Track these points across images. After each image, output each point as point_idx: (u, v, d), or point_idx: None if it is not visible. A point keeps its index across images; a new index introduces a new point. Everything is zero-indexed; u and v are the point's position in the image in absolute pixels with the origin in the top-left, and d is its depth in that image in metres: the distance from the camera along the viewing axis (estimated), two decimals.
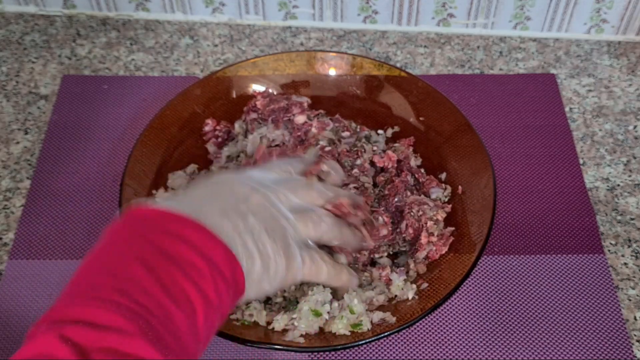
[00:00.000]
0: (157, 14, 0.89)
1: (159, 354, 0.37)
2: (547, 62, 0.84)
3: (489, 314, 0.63)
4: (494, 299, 0.64)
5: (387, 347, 0.61)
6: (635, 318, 0.63)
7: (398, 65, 0.84)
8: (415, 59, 0.85)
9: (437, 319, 0.63)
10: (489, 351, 0.61)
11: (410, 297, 0.58)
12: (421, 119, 0.71)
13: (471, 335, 0.62)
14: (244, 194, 0.50)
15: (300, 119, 0.69)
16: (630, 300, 0.64)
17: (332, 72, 0.74)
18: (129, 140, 0.76)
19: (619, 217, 0.70)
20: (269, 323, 0.57)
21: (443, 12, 0.85)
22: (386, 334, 0.54)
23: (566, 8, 0.83)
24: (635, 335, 0.62)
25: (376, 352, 0.61)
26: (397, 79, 0.72)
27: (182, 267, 0.41)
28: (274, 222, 0.50)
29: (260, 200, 0.50)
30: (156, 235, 0.42)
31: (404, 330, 0.59)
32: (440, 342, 0.61)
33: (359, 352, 0.61)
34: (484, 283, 0.65)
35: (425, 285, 0.59)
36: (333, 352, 0.60)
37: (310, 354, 0.60)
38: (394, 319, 0.56)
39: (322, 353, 0.60)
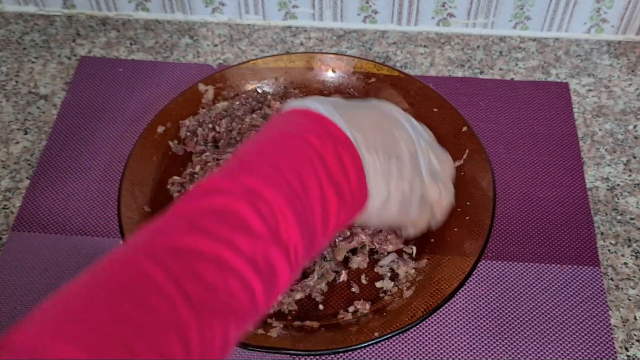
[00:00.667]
0: (156, 14, 0.89)
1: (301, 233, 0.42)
2: (547, 62, 0.84)
3: (480, 319, 0.63)
4: (486, 304, 0.64)
5: (387, 347, 0.61)
6: (635, 318, 0.63)
7: (398, 65, 0.84)
8: (415, 58, 0.85)
9: (433, 322, 0.63)
10: (480, 355, 0.61)
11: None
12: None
13: (462, 338, 0.62)
14: (399, 138, 0.50)
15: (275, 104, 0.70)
16: (630, 300, 0.64)
17: (331, 73, 0.74)
18: (140, 123, 0.77)
19: (618, 217, 0.70)
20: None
21: (443, 12, 0.85)
22: (386, 336, 0.54)
23: (566, 8, 0.83)
24: (635, 335, 0.62)
25: (376, 353, 0.61)
26: (396, 79, 0.72)
27: (335, 185, 0.45)
28: (413, 169, 0.50)
29: (409, 150, 0.50)
30: (330, 154, 0.45)
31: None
32: (435, 345, 0.61)
33: (359, 353, 0.61)
34: (476, 288, 0.65)
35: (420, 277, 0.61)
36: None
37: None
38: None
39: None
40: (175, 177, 0.67)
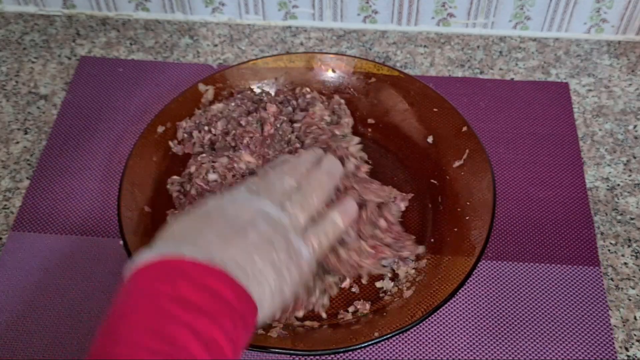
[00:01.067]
0: (156, 14, 0.89)
1: None
2: (547, 61, 0.84)
3: (480, 319, 0.63)
4: (486, 304, 0.64)
5: (387, 347, 0.61)
6: (635, 318, 0.63)
7: (398, 65, 0.84)
8: (415, 58, 0.85)
9: (433, 322, 0.63)
10: (480, 355, 0.61)
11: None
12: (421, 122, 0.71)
13: (462, 338, 0.62)
14: (236, 214, 0.49)
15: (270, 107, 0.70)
16: (630, 300, 0.64)
17: (331, 73, 0.74)
18: (140, 123, 0.77)
19: (618, 217, 0.70)
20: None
21: (443, 12, 0.85)
22: (386, 336, 0.54)
23: (566, 8, 0.83)
24: (635, 335, 0.62)
25: (376, 353, 0.61)
26: (396, 79, 0.72)
27: (206, 313, 0.42)
28: (271, 231, 0.49)
29: (251, 213, 0.49)
30: (186, 290, 0.43)
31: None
32: (435, 345, 0.61)
33: (359, 353, 0.61)
34: (476, 288, 0.65)
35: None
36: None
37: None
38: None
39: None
40: (175, 177, 0.67)
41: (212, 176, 0.64)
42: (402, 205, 0.65)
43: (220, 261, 0.44)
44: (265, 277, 0.46)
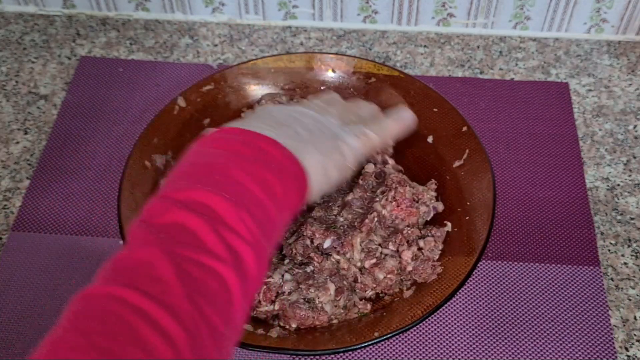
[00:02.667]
0: (156, 14, 0.89)
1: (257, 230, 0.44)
2: (547, 62, 0.84)
3: (480, 319, 0.63)
4: (486, 304, 0.64)
5: (387, 347, 0.61)
6: (635, 318, 0.63)
7: (398, 65, 0.84)
8: (415, 58, 0.85)
9: (433, 322, 0.63)
10: (480, 355, 0.61)
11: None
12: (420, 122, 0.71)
13: (462, 338, 0.62)
14: (282, 113, 0.54)
15: None
16: (630, 300, 0.64)
17: (331, 73, 0.74)
18: (140, 123, 0.77)
19: (618, 217, 0.70)
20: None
21: (443, 12, 0.85)
22: (386, 336, 0.54)
23: (566, 8, 0.83)
24: (635, 335, 0.62)
25: (376, 353, 0.61)
26: (396, 79, 0.72)
27: (269, 167, 0.47)
28: (317, 123, 0.54)
29: (304, 111, 0.54)
30: (240, 147, 0.48)
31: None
32: (435, 345, 0.61)
33: (359, 353, 0.61)
34: (476, 288, 0.65)
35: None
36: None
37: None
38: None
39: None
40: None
41: None
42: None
43: (271, 135, 0.49)
44: (311, 154, 0.50)
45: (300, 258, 0.61)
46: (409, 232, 0.62)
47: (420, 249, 0.62)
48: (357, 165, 0.55)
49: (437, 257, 0.62)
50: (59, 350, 0.35)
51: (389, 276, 0.60)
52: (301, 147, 0.49)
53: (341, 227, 0.62)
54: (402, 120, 0.61)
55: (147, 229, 0.42)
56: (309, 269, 0.60)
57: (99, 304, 0.37)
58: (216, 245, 0.41)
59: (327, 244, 0.61)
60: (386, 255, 0.61)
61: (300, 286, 0.59)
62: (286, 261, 0.62)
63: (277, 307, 0.58)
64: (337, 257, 0.60)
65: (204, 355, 0.38)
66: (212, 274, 0.40)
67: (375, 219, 0.62)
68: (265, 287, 0.59)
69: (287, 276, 0.59)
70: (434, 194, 0.65)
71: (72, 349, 0.35)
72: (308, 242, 0.61)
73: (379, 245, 0.61)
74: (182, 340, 0.37)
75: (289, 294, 0.59)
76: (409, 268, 0.60)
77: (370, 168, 0.67)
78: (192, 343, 0.37)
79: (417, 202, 0.64)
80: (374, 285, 0.60)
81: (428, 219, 0.65)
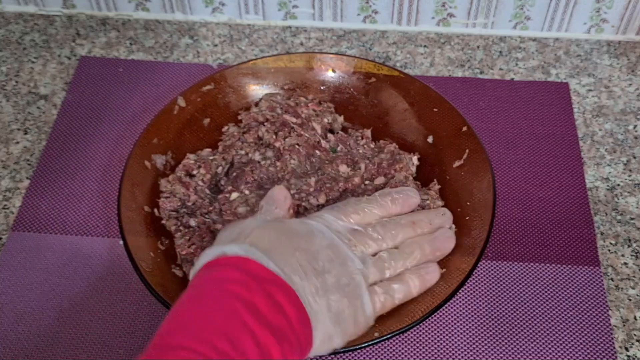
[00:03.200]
0: (156, 14, 0.89)
1: None
2: (547, 62, 0.84)
3: (480, 319, 0.63)
4: (486, 304, 0.64)
5: (387, 347, 0.61)
6: (635, 318, 0.63)
7: (398, 65, 0.84)
8: (415, 58, 0.85)
9: (432, 322, 0.63)
10: (480, 355, 0.61)
11: None
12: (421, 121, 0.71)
13: (462, 338, 0.62)
14: (319, 247, 0.50)
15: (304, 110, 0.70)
16: (630, 300, 0.64)
17: (331, 73, 0.74)
18: (140, 123, 0.77)
19: (618, 217, 0.70)
20: None
21: (443, 12, 0.85)
22: (386, 336, 0.54)
23: (566, 8, 0.83)
24: (635, 335, 0.62)
25: (376, 353, 0.61)
26: (396, 79, 0.72)
27: (272, 329, 0.43)
28: (347, 276, 0.50)
29: (333, 255, 0.50)
30: (258, 298, 0.44)
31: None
32: (435, 345, 0.61)
33: (359, 353, 0.61)
34: (476, 288, 0.65)
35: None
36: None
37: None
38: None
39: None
40: (167, 208, 0.66)
41: (241, 209, 0.63)
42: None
43: (294, 286, 0.45)
44: (325, 319, 0.47)
45: None
46: None
47: None
48: (365, 330, 0.53)
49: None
50: None
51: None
52: (319, 313, 0.47)
53: None
54: (425, 282, 0.56)
55: None
56: None
57: None
58: None
59: None
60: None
61: None
62: None
63: None
64: None
65: None
66: None
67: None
68: None
69: None
70: (441, 203, 0.65)
71: None
72: None
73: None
74: None
75: None
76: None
77: (380, 180, 0.66)
78: None
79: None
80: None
81: None
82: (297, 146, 0.68)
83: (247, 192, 0.64)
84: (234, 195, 0.64)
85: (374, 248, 0.55)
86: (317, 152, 0.68)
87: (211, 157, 0.68)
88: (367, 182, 0.66)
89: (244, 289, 0.44)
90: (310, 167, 0.67)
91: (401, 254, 0.55)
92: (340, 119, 0.73)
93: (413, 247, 0.56)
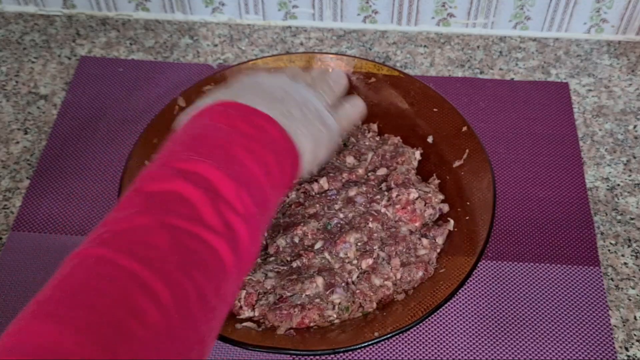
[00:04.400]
0: (156, 14, 0.89)
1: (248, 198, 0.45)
2: (547, 61, 0.84)
3: (480, 319, 0.63)
4: (486, 304, 0.64)
5: (387, 347, 0.61)
6: (635, 318, 0.63)
7: (398, 65, 0.84)
8: (415, 58, 0.85)
9: (432, 322, 0.63)
10: (480, 355, 0.61)
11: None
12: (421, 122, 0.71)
13: (462, 338, 0.62)
14: (273, 85, 0.54)
15: None
16: (630, 300, 0.64)
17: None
18: (140, 123, 0.77)
19: (619, 217, 0.70)
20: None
21: (443, 12, 0.85)
22: (386, 336, 0.54)
23: (566, 8, 0.83)
24: (635, 335, 0.62)
25: (376, 353, 0.61)
26: (396, 79, 0.72)
27: (268, 146, 0.48)
28: (306, 101, 0.54)
29: (288, 86, 0.55)
30: (240, 122, 0.48)
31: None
32: (435, 345, 0.61)
33: (359, 353, 0.61)
34: (476, 288, 0.65)
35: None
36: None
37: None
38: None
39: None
40: None
41: None
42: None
43: (268, 111, 0.49)
44: (303, 133, 0.51)
45: (288, 258, 0.61)
46: (409, 237, 0.62)
47: (416, 253, 0.61)
48: (335, 144, 0.57)
49: (434, 259, 0.61)
50: (45, 308, 0.35)
51: (386, 283, 0.59)
52: (294, 127, 0.50)
53: (337, 226, 0.62)
54: (358, 107, 0.61)
55: (144, 196, 0.42)
56: (295, 264, 0.60)
57: (91, 266, 0.38)
58: (213, 218, 0.42)
59: (318, 244, 0.61)
60: (383, 259, 0.61)
61: (282, 282, 0.58)
62: (272, 259, 0.61)
63: (257, 313, 0.58)
64: (328, 256, 0.60)
65: (191, 322, 0.38)
66: (207, 246, 0.41)
67: (375, 222, 0.62)
68: (245, 291, 0.59)
69: (271, 274, 0.59)
70: (441, 196, 0.65)
71: (57, 309, 0.35)
72: (297, 239, 0.61)
73: (378, 247, 0.61)
74: (171, 305, 0.37)
75: (267, 294, 0.58)
76: (398, 275, 0.60)
77: (382, 172, 0.67)
78: (181, 309, 0.37)
79: (425, 204, 0.64)
80: (371, 294, 0.59)
81: (434, 220, 0.65)
82: None
83: None
84: None
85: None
86: None
87: None
88: (369, 173, 0.66)
89: (224, 119, 0.48)
90: None
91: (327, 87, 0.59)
92: None
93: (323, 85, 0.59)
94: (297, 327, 0.58)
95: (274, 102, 0.51)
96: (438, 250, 0.62)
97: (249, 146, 0.46)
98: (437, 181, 0.66)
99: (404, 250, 0.61)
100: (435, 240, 0.62)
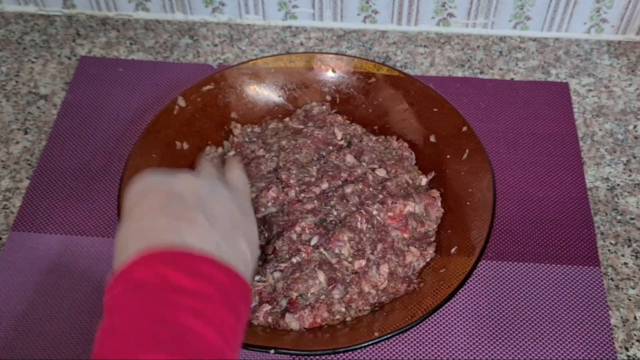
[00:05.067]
0: (156, 14, 0.89)
1: None
2: (547, 61, 0.84)
3: (480, 319, 0.63)
4: (486, 304, 0.64)
5: (387, 347, 0.61)
6: (635, 318, 0.63)
7: (398, 65, 0.84)
8: (415, 58, 0.85)
9: (432, 322, 0.63)
10: (480, 355, 0.61)
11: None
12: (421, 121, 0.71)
13: (462, 338, 0.62)
14: (197, 196, 0.47)
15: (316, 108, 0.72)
16: (630, 300, 0.64)
17: (331, 73, 0.74)
18: (140, 123, 0.77)
19: (618, 217, 0.70)
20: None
21: (443, 12, 0.85)
22: (386, 336, 0.54)
23: (566, 8, 0.83)
24: (635, 335, 0.62)
25: (376, 353, 0.61)
26: (396, 79, 0.72)
27: (214, 300, 0.41)
28: (229, 203, 0.49)
29: (204, 190, 0.48)
30: (181, 279, 0.41)
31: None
32: (434, 345, 0.61)
33: (359, 353, 0.61)
34: (476, 288, 0.65)
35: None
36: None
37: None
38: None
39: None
40: None
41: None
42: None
43: (202, 247, 0.43)
44: (238, 243, 0.46)
45: (287, 256, 0.61)
46: (398, 239, 0.62)
47: (404, 261, 0.61)
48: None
49: (418, 270, 0.62)
50: None
51: (371, 291, 0.60)
52: (231, 246, 0.45)
53: (332, 222, 0.62)
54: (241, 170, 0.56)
55: None
56: (295, 260, 0.60)
57: None
58: None
59: (314, 240, 0.61)
60: (373, 262, 0.60)
61: (287, 282, 0.59)
62: (270, 256, 0.61)
63: (270, 320, 0.59)
64: (324, 252, 0.60)
65: None
66: None
67: (364, 222, 0.62)
68: (257, 298, 0.59)
69: (277, 274, 0.59)
70: (438, 217, 0.65)
71: None
72: (295, 236, 0.61)
73: (370, 248, 0.61)
74: None
75: (278, 300, 0.59)
76: (383, 286, 0.60)
77: (382, 173, 0.67)
78: None
79: (417, 223, 0.64)
80: (359, 300, 0.59)
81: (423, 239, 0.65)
82: (307, 142, 0.68)
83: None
84: None
85: None
86: (330, 147, 0.69)
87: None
88: (369, 173, 0.66)
89: (157, 280, 0.41)
90: (317, 156, 0.68)
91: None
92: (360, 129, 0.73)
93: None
94: (309, 328, 0.58)
95: (205, 227, 0.44)
96: (428, 259, 0.62)
97: (197, 309, 0.40)
98: (437, 193, 0.66)
99: (393, 256, 0.61)
100: (425, 249, 0.63)
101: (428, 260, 0.62)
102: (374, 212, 0.62)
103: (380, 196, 0.64)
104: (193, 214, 0.45)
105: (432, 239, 0.64)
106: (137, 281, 0.41)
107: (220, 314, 0.41)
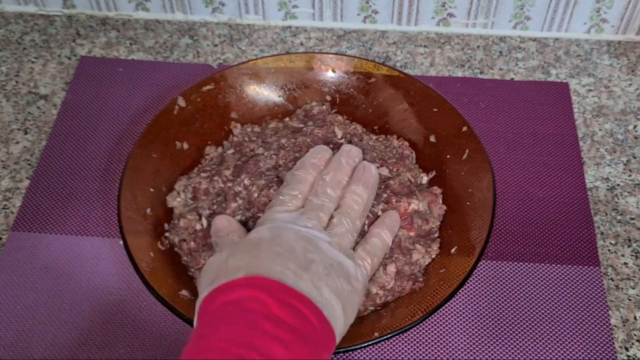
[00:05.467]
0: (156, 14, 0.89)
1: None
2: (547, 62, 0.84)
3: (480, 319, 0.63)
4: (486, 304, 0.64)
5: (387, 347, 0.61)
6: (635, 318, 0.63)
7: (398, 65, 0.84)
8: (415, 58, 0.85)
9: (432, 322, 0.63)
10: (480, 355, 0.61)
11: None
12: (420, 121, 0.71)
13: (462, 338, 0.62)
14: (292, 243, 0.50)
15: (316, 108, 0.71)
16: (630, 300, 0.64)
17: (331, 73, 0.74)
18: (140, 123, 0.77)
19: (618, 217, 0.70)
20: None
21: (443, 12, 0.85)
22: (386, 336, 0.54)
23: (566, 8, 0.83)
24: (635, 335, 0.62)
25: (376, 353, 0.61)
26: (396, 79, 0.72)
27: (302, 338, 0.44)
28: (326, 257, 0.50)
29: (305, 243, 0.51)
30: (276, 310, 0.44)
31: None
32: (434, 345, 0.61)
33: (359, 353, 0.61)
34: (476, 288, 0.65)
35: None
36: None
37: None
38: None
39: None
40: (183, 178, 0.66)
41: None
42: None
43: (299, 287, 0.46)
44: (332, 304, 0.47)
45: None
46: (404, 238, 0.62)
47: (410, 259, 0.61)
48: (363, 294, 0.54)
49: (423, 267, 0.61)
50: None
51: (379, 292, 0.59)
52: (326, 297, 0.47)
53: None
54: (392, 230, 0.59)
55: None
56: None
57: None
58: None
59: None
60: (380, 263, 0.60)
61: None
62: None
63: None
64: None
65: None
66: None
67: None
68: None
69: None
70: (441, 214, 0.65)
71: None
72: None
73: None
74: None
75: None
76: (390, 285, 0.60)
77: (384, 171, 0.66)
78: None
79: (422, 221, 0.64)
80: (366, 301, 0.59)
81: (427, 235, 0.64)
82: (307, 140, 0.68)
83: (246, 182, 0.64)
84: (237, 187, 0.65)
85: (326, 216, 0.55)
86: (330, 145, 0.68)
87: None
88: None
89: (256, 304, 0.44)
90: None
91: (345, 209, 0.56)
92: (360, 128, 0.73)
93: (347, 199, 0.56)
94: None
95: (303, 269, 0.47)
96: (433, 255, 0.62)
97: (286, 341, 0.42)
98: (439, 191, 0.66)
99: (400, 255, 0.61)
100: (430, 246, 0.62)
101: (433, 256, 0.62)
102: (379, 214, 0.62)
103: (385, 195, 0.63)
104: (298, 259, 0.48)
105: (436, 235, 0.64)
106: (237, 300, 0.44)
107: (304, 353, 0.43)
